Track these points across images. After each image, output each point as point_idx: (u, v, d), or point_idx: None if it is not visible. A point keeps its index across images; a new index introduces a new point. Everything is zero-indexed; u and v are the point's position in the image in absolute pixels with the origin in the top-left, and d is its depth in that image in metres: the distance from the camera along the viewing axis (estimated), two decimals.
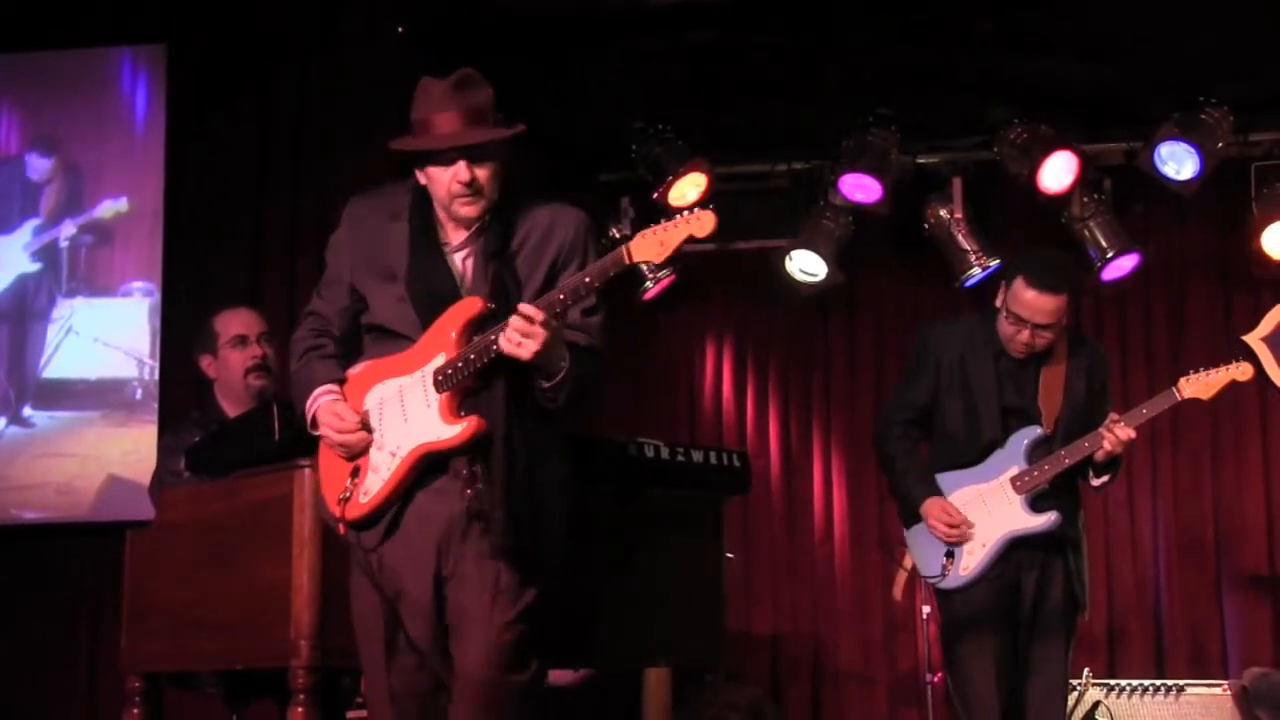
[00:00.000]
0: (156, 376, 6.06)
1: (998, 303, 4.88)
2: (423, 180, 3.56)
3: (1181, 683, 6.36)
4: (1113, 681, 6.39)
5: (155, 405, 6.01)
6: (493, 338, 3.37)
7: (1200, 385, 4.83)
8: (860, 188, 7.11)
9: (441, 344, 3.47)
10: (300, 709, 3.78)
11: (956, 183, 7.28)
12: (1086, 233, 7.14)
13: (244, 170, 6.50)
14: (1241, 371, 4.86)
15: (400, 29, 6.30)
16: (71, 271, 6.39)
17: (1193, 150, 6.73)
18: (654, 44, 6.54)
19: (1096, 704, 6.25)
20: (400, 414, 3.47)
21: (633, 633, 4.40)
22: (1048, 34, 6.41)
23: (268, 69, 6.48)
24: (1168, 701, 6.28)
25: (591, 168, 7.60)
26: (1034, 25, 6.34)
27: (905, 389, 5.08)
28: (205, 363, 4.93)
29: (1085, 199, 7.12)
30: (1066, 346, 4.95)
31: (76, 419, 6.36)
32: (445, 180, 3.50)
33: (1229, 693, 6.19)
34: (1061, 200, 7.07)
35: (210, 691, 4.70)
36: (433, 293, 3.53)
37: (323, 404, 3.53)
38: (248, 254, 6.42)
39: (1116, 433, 4.74)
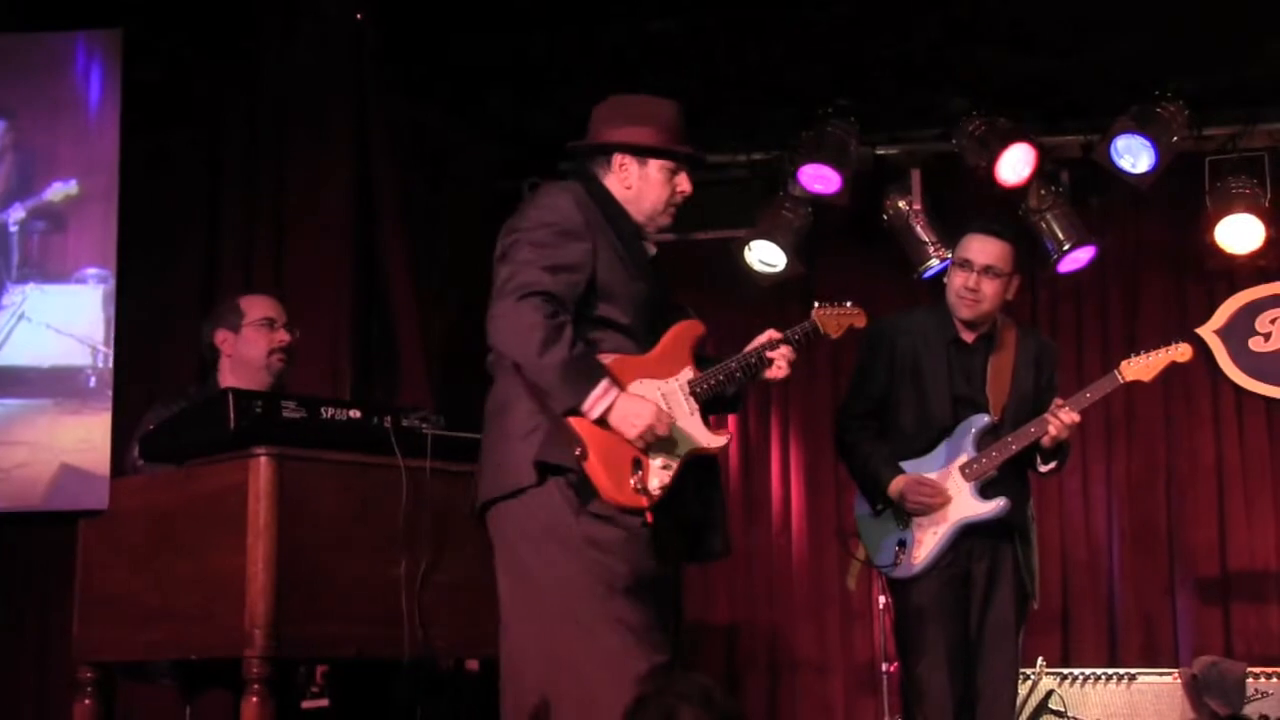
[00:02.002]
0: (111, 364, 5.98)
1: (946, 279, 4.96)
2: (625, 183, 3.90)
3: (1133, 671, 6.42)
4: (1066, 670, 6.44)
5: (109, 394, 5.93)
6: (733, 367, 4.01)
7: (1141, 368, 4.89)
8: (819, 179, 7.12)
9: (682, 359, 3.87)
10: (255, 699, 3.76)
11: (915, 174, 7.31)
12: (1044, 225, 7.18)
13: (200, 157, 6.46)
14: (1181, 353, 4.92)
15: (358, 15, 6.26)
16: (24, 257, 6.31)
17: (1148, 144, 6.78)
18: (614, 32, 6.52)
19: (1050, 693, 6.30)
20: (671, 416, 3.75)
21: None
22: (1006, 27, 6.42)
23: (224, 55, 6.42)
24: (1119, 690, 6.33)
25: (550, 156, 7.56)
26: (992, 18, 6.35)
27: (861, 382, 5.11)
28: (221, 338, 4.90)
29: (1043, 191, 7.16)
30: (1015, 336, 5.00)
31: (28, 407, 6.28)
32: (670, 187, 3.96)
33: (1179, 681, 6.25)
34: (1019, 192, 7.11)
35: (164, 682, 4.67)
36: (653, 300, 3.86)
37: (624, 396, 3.66)
38: (204, 242, 6.38)
39: (1061, 417, 4.78)
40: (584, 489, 3.67)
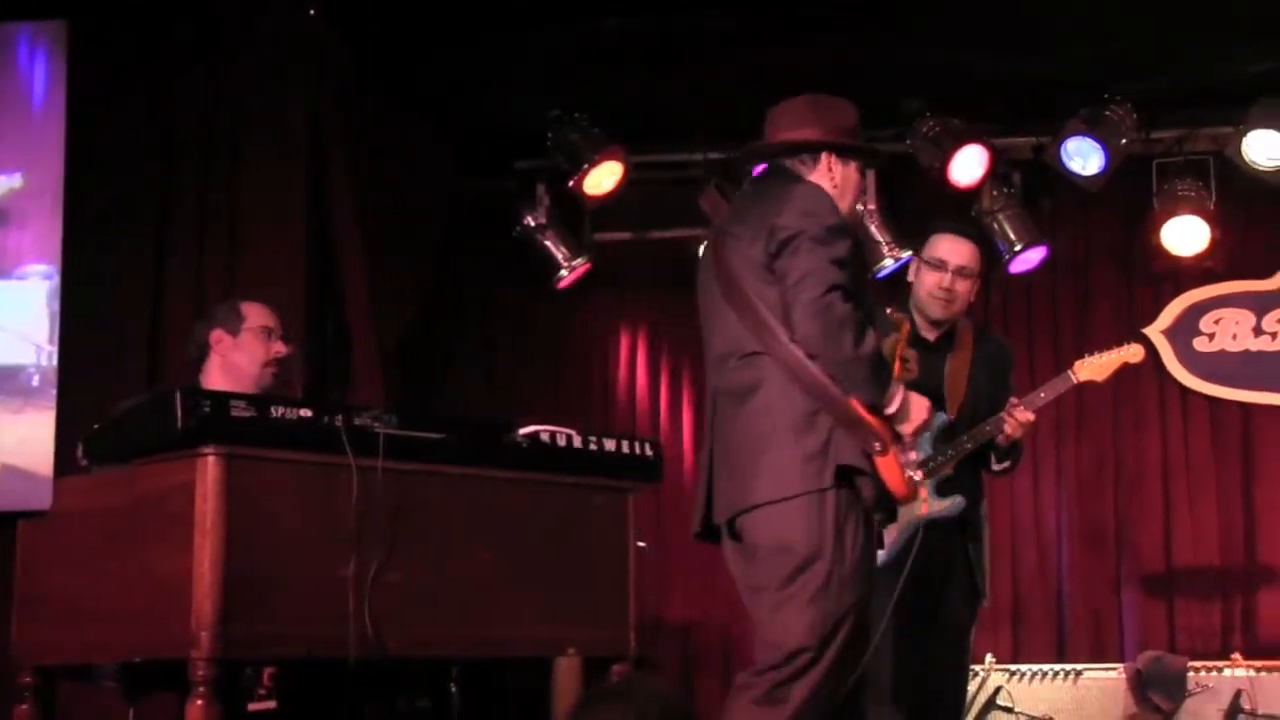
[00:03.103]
0: (55, 363, 5.92)
1: (910, 276, 4.99)
2: (833, 181, 3.95)
3: (1080, 667, 6.47)
4: (1014, 667, 6.48)
5: (53, 392, 5.87)
6: None
7: (1094, 368, 4.95)
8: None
9: None
10: (200, 702, 3.72)
11: (869, 174, 7.32)
12: (996, 225, 7.22)
13: (149, 152, 6.39)
14: (1133, 353, 4.98)
15: (311, 10, 6.23)
16: None
17: (1098, 146, 6.83)
18: (572, 30, 6.52)
19: (999, 689, 6.34)
20: None
21: (543, 622, 4.40)
22: (960, 29, 6.45)
23: (174, 50, 6.37)
24: (1066, 685, 6.38)
25: (508, 155, 7.57)
26: (947, 19, 6.38)
27: None
28: (216, 337, 4.80)
29: (995, 192, 7.20)
30: (972, 337, 5.04)
31: None
32: (861, 185, 4.12)
33: (1124, 676, 6.31)
34: (972, 193, 7.14)
35: (107, 684, 4.61)
36: None
37: (909, 392, 3.85)
38: (153, 239, 6.31)
39: (1017, 416, 4.83)
40: (866, 491, 3.77)
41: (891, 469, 3.77)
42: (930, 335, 4.99)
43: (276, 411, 3.98)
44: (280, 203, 6.24)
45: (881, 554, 4.81)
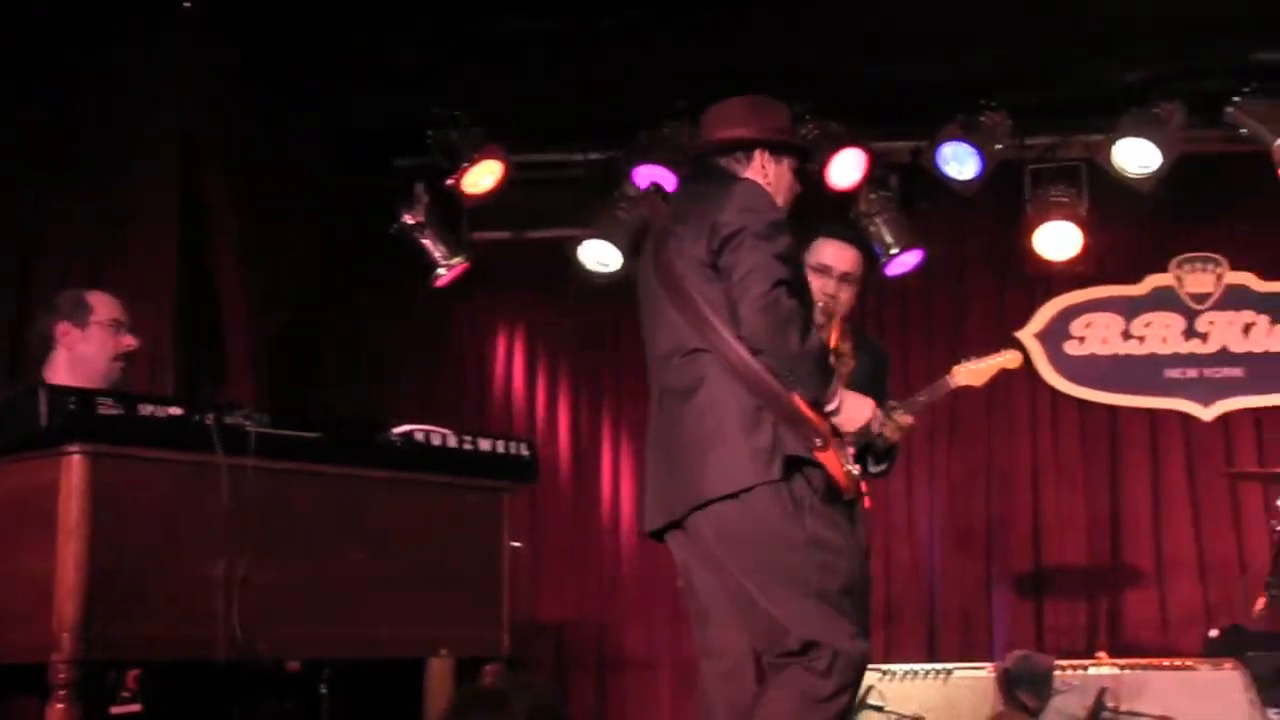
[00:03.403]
0: None
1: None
2: (766, 178, 4.00)
3: (950, 666, 6.54)
4: (885, 666, 6.54)
5: None
6: None
7: (972, 373, 4.99)
8: (656, 179, 7.14)
9: None
10: (60, 705, 3.64)
11: None
12: (873, 228, 7.30)
13: (19, 145, 6.25)
14: (1011, 359, 5.04)
15: (186, 4, 6.13)
16: None
17: (974, 151, 6.93)
18: (453, 29, 6.48)
19: (870, 688, 6.39)
20: None
21: (416, 622, 4.37)
22: (840, 33, 6.51)
23: (44, 42, 6.23)
24: (936, 684, 6.44)
25: (386, 153, 7.51)
26: (826, 23, 6.43)
27: None
28: (62, 330, 4.64)
29: (872, 195, 7.28)
30: (852, 344, 5.04)
31: None
32: (794, 182, 4.10)
33: (993, 675, 6.40)
34: (850, 196, 7.21)
35: None
36: None
37: (848, 391, 3.93)
38: (20, 231, 6.16)
39: (896, 419, 4.86)
40: (815, 481, 3.79)
41: (833, 464, 3.82)
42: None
43: (145, 409, 3.90)
44: (151, 196, 6.13)
45: None
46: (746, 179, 3.95)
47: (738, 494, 3.75)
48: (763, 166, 4.05)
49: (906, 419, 4.88)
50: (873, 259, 7.22)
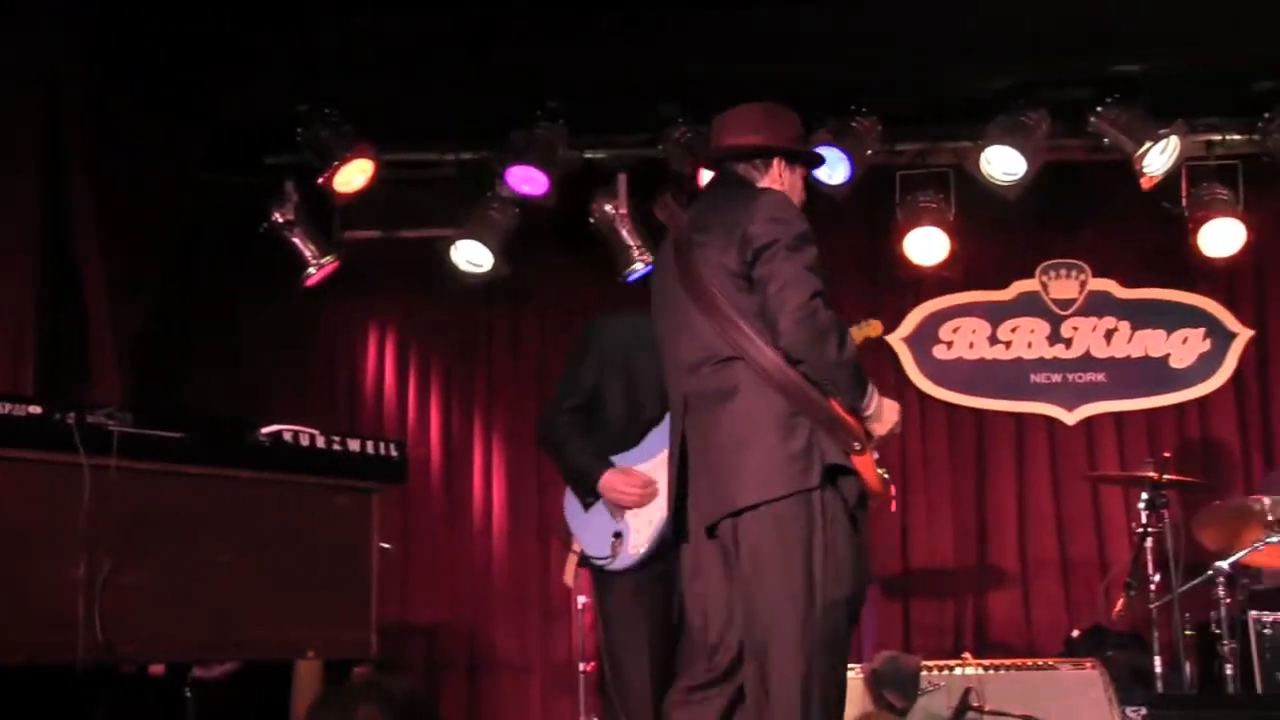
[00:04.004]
0: None
1: None
2: (781, 185, 4.17)
3: None
4: None
5: None
6: None
7: None
8: (527, 180, 7.14)
9: None
10: None
11: (622, 178, 7.39)
12: None
13: None
14: (872, 327, 5.08)
15: None
16: None
17: (844, 156, 6.99)
18: (324, 25, 6.41)
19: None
20: None
21: (283, 624, 4.33)
22: (711, 38, 6.54)
23: None
24: None
25: (256, 150, 7.41)
26: (701, 26, 6.45)
27: (570, 377, 5.06)
28: None
29: None
30: None
31: None
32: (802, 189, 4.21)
33: (860, 675, 6.47)
34: None
35: None
36: None
37: (880, 395, 4.07)
38: None
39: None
40: (848, 490, 3.90)
41: (868, 467, 3.92)
42: None
43: (3, 408, 3.83)
44: (11, 192, 5.99)
45: (639, 548, 4.85)
46: (772, 189, 4.07)
47: (770, 502, 3.85)
48: (780, 175, 4.16)
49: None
50: None
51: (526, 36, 6.49)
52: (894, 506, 4.57)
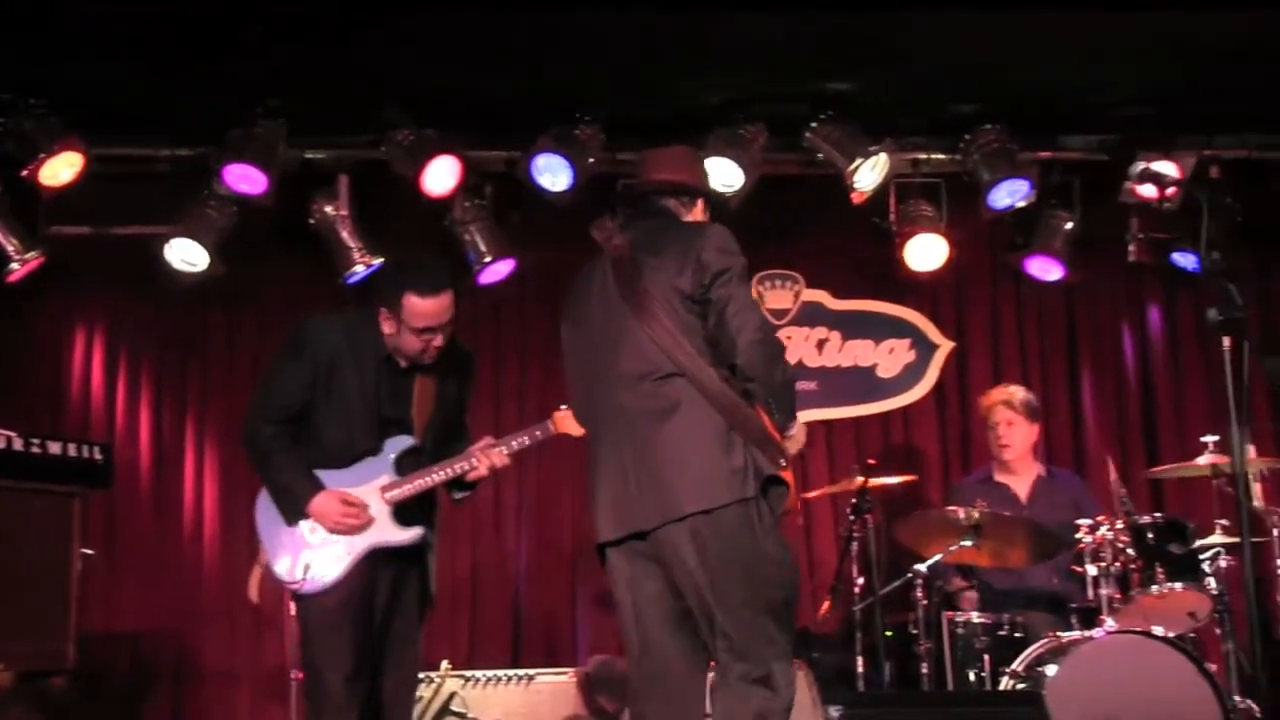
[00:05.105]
0: None
1: (388, 330, 4.84)
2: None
3: (532, 672, 6.66)
4: (469, 673, 6.60)
5: None
6: None
7: (572, 422, 4.95)
8: (246, 179, 7.01)
9: None
10: None
11: (343, 180, 7.31)
12: (467, 236, 7.35)
13: None
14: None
15: None
16: None
17: (566, 163, 7.05)
18: (30, 10, 6.18)
19: (453, 694, 6.43)
20: None
21: None
22: (438, 41, 6.52)
23: None
24: (519, 689, 6.55)
25: None
26: (424, 30, 6.43)
27: (277, 384, 4.95)
28: None
29: (467, 204, 7.33)
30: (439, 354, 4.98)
31: None
32: None
33: (574, 679, 6.54)
34: (444, 203, 7.23)
35: None
36: None
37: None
38: None
39: (493, 459, 4.88)
40: (775, 499, 4.22)
41: (790, 482, 4.26)
42: (403, 362, 4.92)
43: None
44: None
45: (331, 575, 4.79)
46: (716, 224, 4.45)
47: (714, 510, 4.14)
48: (703, 213, 4.60)
49: (504, 460, 4.92)
50: (462, 264, 7.27)
51: (248, 32, 6.36)
52: (800, 520, 4.85)
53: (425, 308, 4.77)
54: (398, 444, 4.88)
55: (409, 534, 4.86)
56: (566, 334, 4.55)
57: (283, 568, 4.84)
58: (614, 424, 4.31)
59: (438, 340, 4.83)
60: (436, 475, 4.87)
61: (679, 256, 4.27)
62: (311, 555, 4.80)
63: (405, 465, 4.88)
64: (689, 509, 4.14)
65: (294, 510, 4.84)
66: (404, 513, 4.87)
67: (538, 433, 5.00)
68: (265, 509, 4.91)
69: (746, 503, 4.16)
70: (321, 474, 4.84)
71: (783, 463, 4.22)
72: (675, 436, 4.18)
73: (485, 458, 4.88)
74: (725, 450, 4.16)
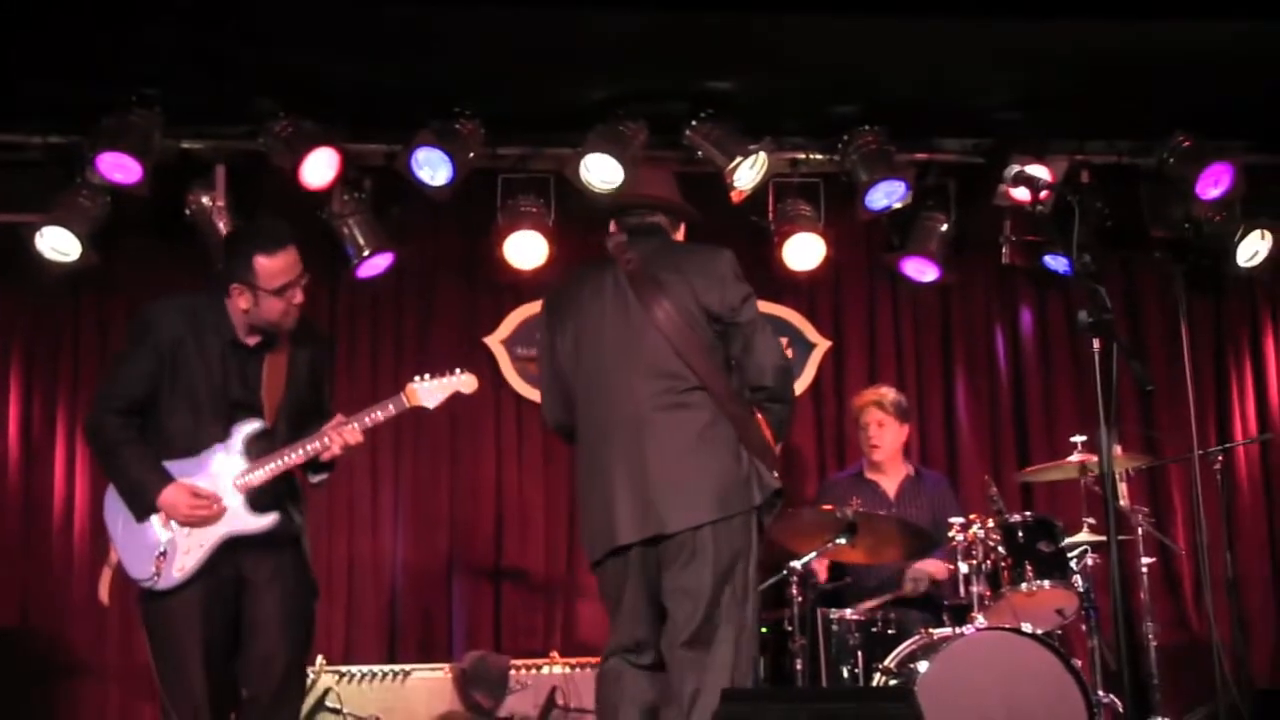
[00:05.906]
0: None
1: (244, 305, 4.76)
2: None
3: (408, 667, 6.64)
4: (344, 668, 6.56)
5: None
6: None
7: (427, 393, 4.98)
8: (120, 167, 6.89)
9: None
10: None
11: (220, 170, 7.22)
12: (346, 230, 7.29)
13: None
14: (465, 383, 5.08)
15: None
16: None
17: (447, 158, 7.02)
18: None
19: (327, 690, 6.39)
20: None
21: None
22: (317, 32, 6.46)
23: None
24: (395, 685, 6.54)
25: None
26: (304, 19, 6.37)
27: (123, 373, 4.83)
28: None
29: (345, 197, 7.27)
30: (289, 335, 4.90)
31: None
32: None
33: (450, 675, 6.53)
34: (322, 196, 7.17)
35: None
36: None
37: None
38: None
39: (345, 435, 4.80)
40: (771, 512, 4.66)
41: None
42: (250, 340, 4.85)
43: None
44: None
45: (185, 569, 4.70)
46: (728, 249, 4.74)
47: (731, 517, 4.51)
48: (683, 233, 4.94)
49: (357, 437, 4.84)
50: (341, 258, 7.22)
51: (121, 16, 6.25)
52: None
53: (276, 265, 4.74)
54: (246, 429, 4.79)
55: (265, 520, 4.78)
56: (559, 339, 4.79)
57: (135, 566, 4.74)
58: (628, 430, 4.57)
59: (298, 297, 4.79)
60: (289, 458, 4.79)
61: (703, 276, 4.63)
62: (164, 546, 4.70)
63: (256, 450, 4.78)
64: (714, 515, 4.49)
65: (142, 505, 4.73)
66: (259, 499, 4.78)
67: (391, 406, 4.93)
68: (113, 505, 4.81)
69: (752, 512, 4.57)
70: (169, 465, 4.72)
71: (775, 474, 4.63)
72: (699, 445, 4.52)
73: (338, 436, 4.79)
74: (736, 460, 4.54)
